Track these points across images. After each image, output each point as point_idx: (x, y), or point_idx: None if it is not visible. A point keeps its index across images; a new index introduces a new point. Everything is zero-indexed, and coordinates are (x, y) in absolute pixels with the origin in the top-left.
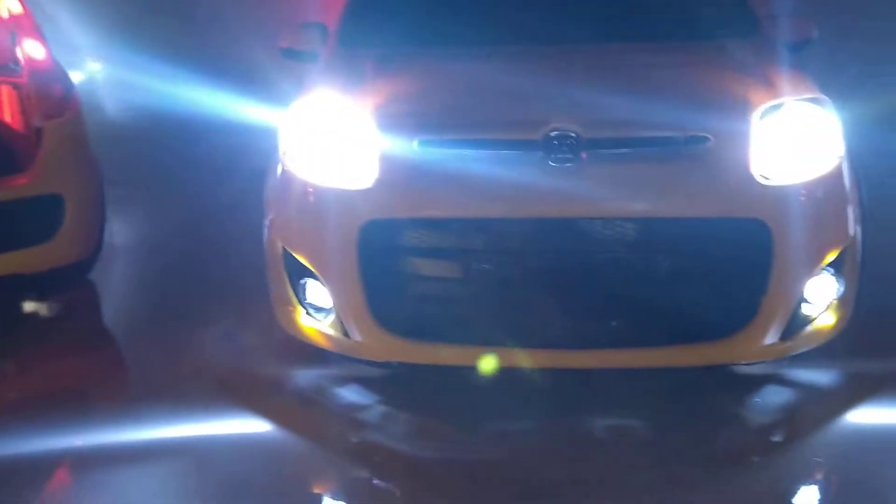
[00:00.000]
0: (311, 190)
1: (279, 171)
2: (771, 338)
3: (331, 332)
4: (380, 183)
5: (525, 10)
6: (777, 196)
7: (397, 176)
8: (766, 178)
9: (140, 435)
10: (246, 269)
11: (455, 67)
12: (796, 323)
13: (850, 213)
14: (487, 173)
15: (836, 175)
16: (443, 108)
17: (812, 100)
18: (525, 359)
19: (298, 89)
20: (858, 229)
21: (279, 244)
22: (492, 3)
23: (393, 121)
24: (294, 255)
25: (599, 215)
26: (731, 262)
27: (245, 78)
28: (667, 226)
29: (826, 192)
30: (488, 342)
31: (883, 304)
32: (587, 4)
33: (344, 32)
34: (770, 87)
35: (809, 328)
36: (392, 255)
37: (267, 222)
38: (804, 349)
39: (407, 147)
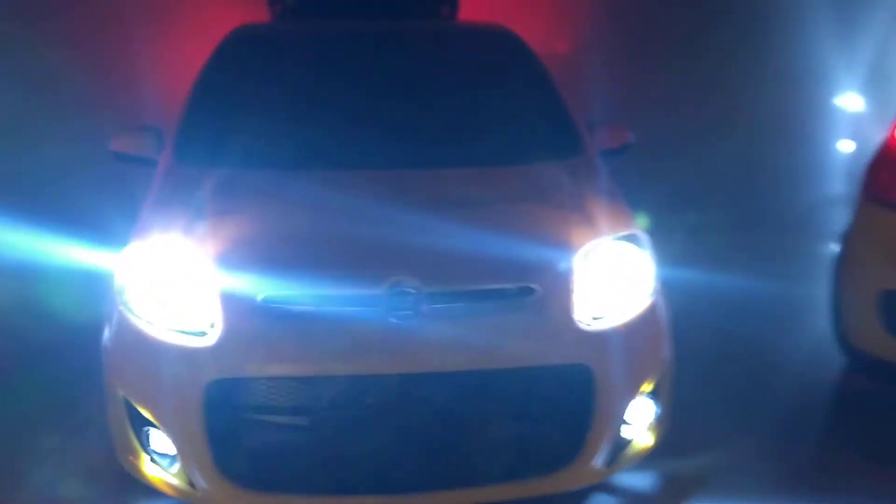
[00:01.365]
0: (151, 344)
1: (116, 318)
2: (597, 464)
3: (176, 481)
4: (224, 340)
5: (365, 133)
6: (597, 340)
7: (241, 332)
8: (588, 324)
9: None
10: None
11: (297, 202)
12: (619, 448)
13: (665, 342)
14: (332, 330)
15: (652, 310)
16: (286, 260)
17: (628, 237)
18: None
19: (133, 225)
20: (671, 352)
21: (120, 393)
22: (331, 126)
23: (235, 273)
24: (136, 405)
25: (438, 370)
26: (558, 403)
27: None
28: (499, 376)
29: (643, 329)
30: (333, 491)
31: (691, 406)
32: (422, 127)
33: (181, 147)
34: (590, 224)
35: (631, 449)
36: (238, 410)
37: (106, 369)
38: (627, 467)
39: (251, 302)
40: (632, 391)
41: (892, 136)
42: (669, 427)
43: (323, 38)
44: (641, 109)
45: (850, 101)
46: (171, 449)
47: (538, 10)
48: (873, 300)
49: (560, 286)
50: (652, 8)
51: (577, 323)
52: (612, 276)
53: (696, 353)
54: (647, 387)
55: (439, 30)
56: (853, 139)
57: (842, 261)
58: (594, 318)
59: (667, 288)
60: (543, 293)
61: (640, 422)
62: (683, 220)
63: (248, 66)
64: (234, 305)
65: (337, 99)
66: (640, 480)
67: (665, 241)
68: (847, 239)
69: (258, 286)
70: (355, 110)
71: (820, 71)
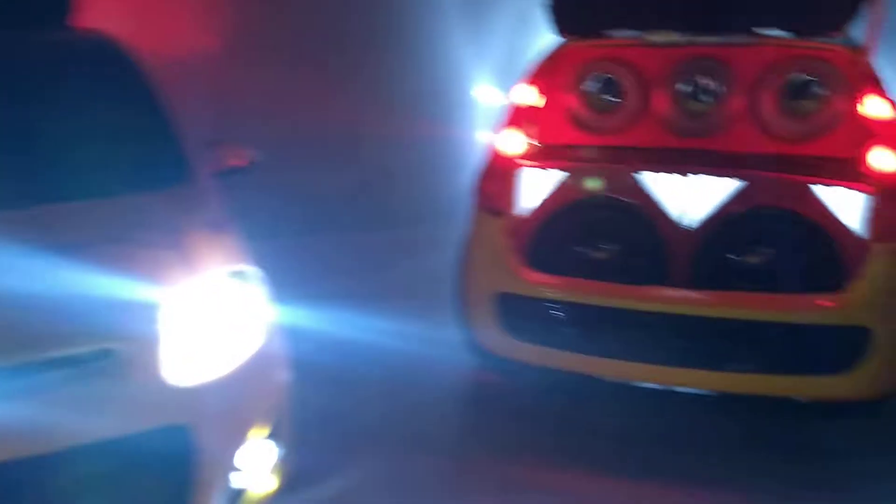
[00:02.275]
0: None
1: None
2: None
3: None
4: None
5: None
6: (193, 395)
7: None
8: (183, 378)
9: None
10: None
11: None
12: (234, 497)
13: (281, 381)
14: None
15: (264, 351)
16: None
17: (234, 273)
18: None
19: None
20: (288, 389)
21: None
22: None
23: None
24: None
25: (14, 457)
26: (157, 466)
27: None
28: (87, 451)
29: (253, 372)
30: None
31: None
32: None
33: None
34: (185, 263)
35: (250, 496)
36: None
37: None
38: None
39: None
40: (241, 439)
41: (495, 150)
42: (298, 464)
43: None
44: (273, 117)
45: (486, 93)
46: None
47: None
48: (490, 302)
49: (146, 340)
50: (281, 11)
51: (168, 380)
52: (212, 319)
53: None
54: (263, 431)
55: (28, 41)
56: (491, 130)
57: (462, 266)
58: (191, 370)
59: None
60: (126, 352)
61: (258, 466)
62: (320, 224)
63: None
64: None
65: None
66: None
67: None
68: (465, 245)
69: None
70: None
71: (456, 65)
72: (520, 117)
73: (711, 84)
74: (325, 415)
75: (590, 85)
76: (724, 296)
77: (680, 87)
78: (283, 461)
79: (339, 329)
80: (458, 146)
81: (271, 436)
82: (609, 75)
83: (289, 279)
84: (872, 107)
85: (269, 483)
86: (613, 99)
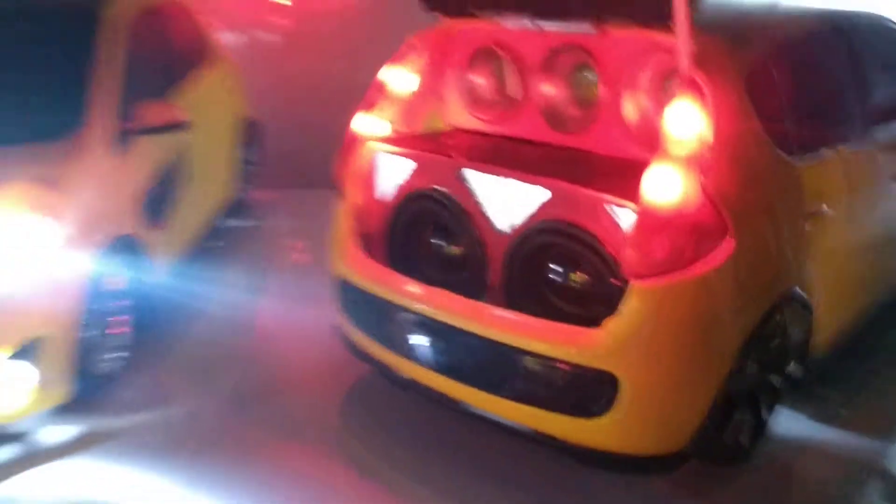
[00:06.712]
0: None
1: None
2: None
3: None
4: None
5: None
6: None
7: None
8: None
9: None
10: None
11: None
12: None
13: (48, 309)
14: None
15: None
16: None
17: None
18: None
19: None
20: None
21: None
22: None
23: None
24: None
25: None
26: None
27: None
28: None
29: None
30: None
31: None
32: None
33: None
34: None
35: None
36: None
37: None
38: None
39: None
40: None
41: (349, 130)
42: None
43: None
44: None
45: None
46: None
47: None
48: (336, 287)
49: None
50: None
51: None
52: None
53: None
54: (6, 351)
55: None
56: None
57: None
58: None
59: None
60: None
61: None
62: None
63: None
64: None
65: None
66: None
67: None
68: None
69: None
70: None
71: None
72: (381, 98)
73: (587, 77)
74: None
75: (470, 69)
76: (496, 315)
77: (556, 78)
78: (45, 382)
79: None
80: None
81: (26, 356)
82: (491, 60)
83: None
84: (680, 112)
85: (17, 403)
86: (492, 85)
